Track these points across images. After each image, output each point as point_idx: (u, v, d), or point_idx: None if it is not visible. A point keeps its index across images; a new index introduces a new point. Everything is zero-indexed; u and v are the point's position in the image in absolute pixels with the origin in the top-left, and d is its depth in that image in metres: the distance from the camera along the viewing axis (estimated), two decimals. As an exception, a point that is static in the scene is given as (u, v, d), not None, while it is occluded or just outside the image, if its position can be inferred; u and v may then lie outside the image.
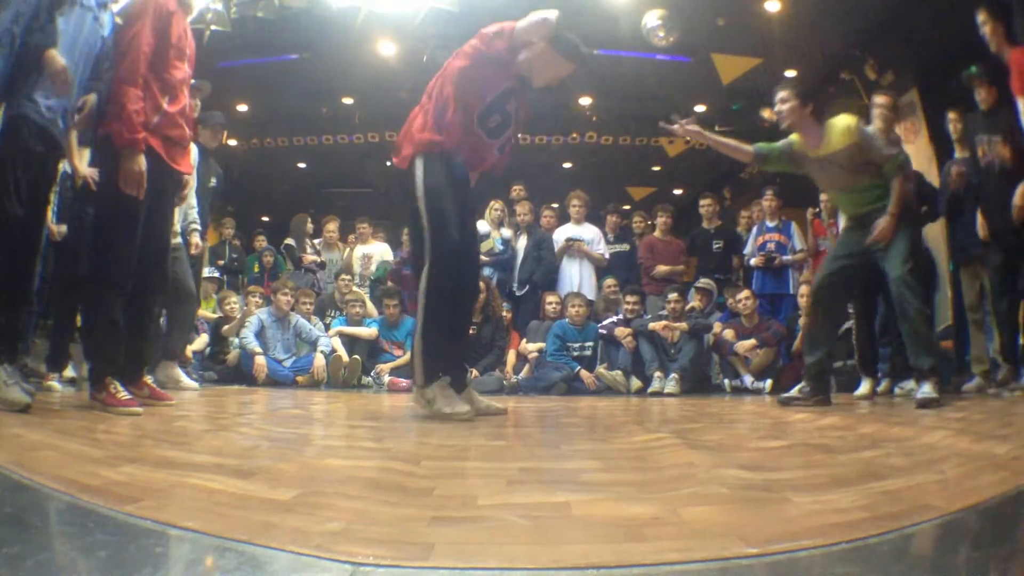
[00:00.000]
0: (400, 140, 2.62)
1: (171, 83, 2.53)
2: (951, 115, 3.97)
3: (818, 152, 3.14)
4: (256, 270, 6.57)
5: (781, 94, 3.17)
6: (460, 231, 2.50)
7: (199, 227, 4.23)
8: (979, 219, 3.67)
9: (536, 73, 2.55)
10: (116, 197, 2.41)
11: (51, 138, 2.38)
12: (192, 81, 2.76)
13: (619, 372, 4.66)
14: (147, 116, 2.45)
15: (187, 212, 4.01)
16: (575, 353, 4.85)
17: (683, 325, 4.71)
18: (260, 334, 4.96)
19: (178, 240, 3.86)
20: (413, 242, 2.66)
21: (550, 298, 5.17)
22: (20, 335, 2.48)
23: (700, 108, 8.22)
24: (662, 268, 5.49)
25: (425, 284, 2.45)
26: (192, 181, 3.89)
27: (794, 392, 3.18)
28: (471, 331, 4.70)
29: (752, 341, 4.70)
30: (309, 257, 6.45)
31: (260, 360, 4.78)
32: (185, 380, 3.83)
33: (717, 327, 4.87)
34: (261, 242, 6.84)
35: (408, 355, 4.24)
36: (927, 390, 2.91)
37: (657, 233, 5.73)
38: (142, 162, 2.39)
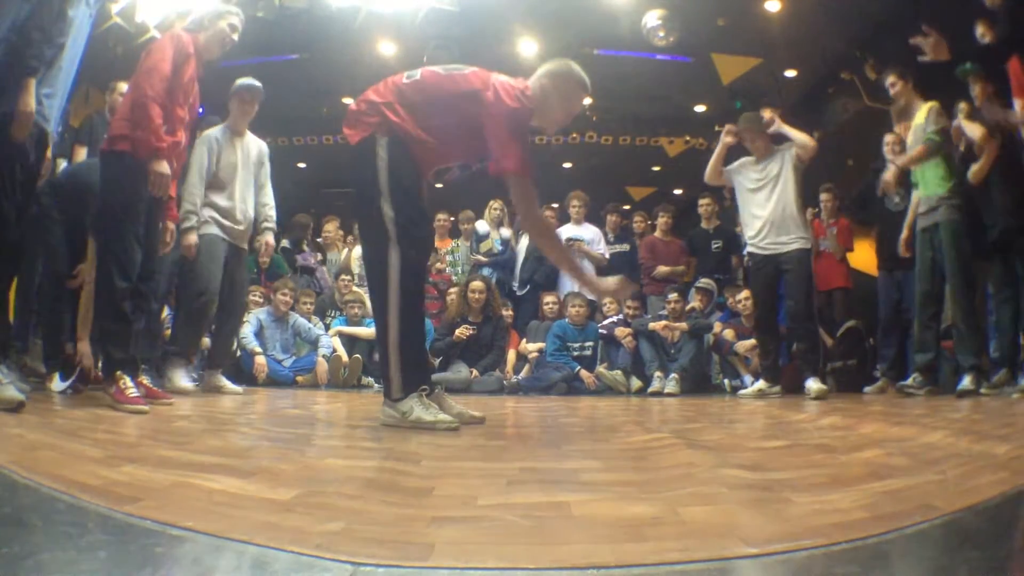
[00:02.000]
0: (357, 108, 2.34)
1: (172, 118, 2.69)
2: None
3: (910, 122, 3.73)
4: (254, 270, 6.55)
5: (890, 79, 3.73)
6: (422, 228, 2.28)
7: (273, 225, 3.92)
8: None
9: (548, 115, 2.41)
10: (121, 203, 2.59)
11: (44, 140, 2.35)
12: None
13: (619, 372, 4.66)
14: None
15: (260, 209, 3.80)
16: (575, 353, 4.84)
17: (683, 325, 4.71)
18: (259, 334, 4.95)
19: (243, 245, 3.74)
20: (369, 237, 2.28)
21: (547, 298, 5.16)
22: (12, 334, 2.49)
23: (700, 108, 8.24)
24: (663, 269, 5.49)
25: (397, 287, 2.15)
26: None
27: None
28: (471, 331, 4.72)
29: (752, 341, 4.69)
30: (316, 257, 6.42)
31: (260, 359, 4.77)
32: (228, 385, 3.69)
33: (717, 327, 4.87)
34: (260, 242, 6.82)
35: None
36: (969, 382, 3.41)
37: (658, 233, 5.73)
38: (166, 167, 2.61)
